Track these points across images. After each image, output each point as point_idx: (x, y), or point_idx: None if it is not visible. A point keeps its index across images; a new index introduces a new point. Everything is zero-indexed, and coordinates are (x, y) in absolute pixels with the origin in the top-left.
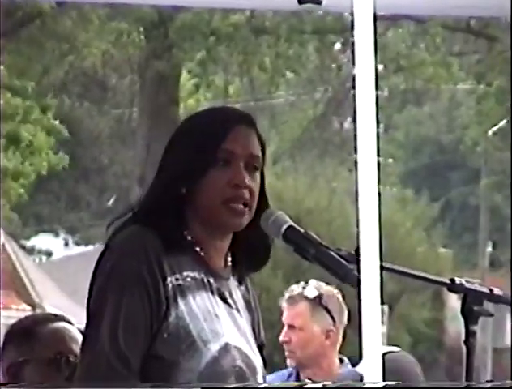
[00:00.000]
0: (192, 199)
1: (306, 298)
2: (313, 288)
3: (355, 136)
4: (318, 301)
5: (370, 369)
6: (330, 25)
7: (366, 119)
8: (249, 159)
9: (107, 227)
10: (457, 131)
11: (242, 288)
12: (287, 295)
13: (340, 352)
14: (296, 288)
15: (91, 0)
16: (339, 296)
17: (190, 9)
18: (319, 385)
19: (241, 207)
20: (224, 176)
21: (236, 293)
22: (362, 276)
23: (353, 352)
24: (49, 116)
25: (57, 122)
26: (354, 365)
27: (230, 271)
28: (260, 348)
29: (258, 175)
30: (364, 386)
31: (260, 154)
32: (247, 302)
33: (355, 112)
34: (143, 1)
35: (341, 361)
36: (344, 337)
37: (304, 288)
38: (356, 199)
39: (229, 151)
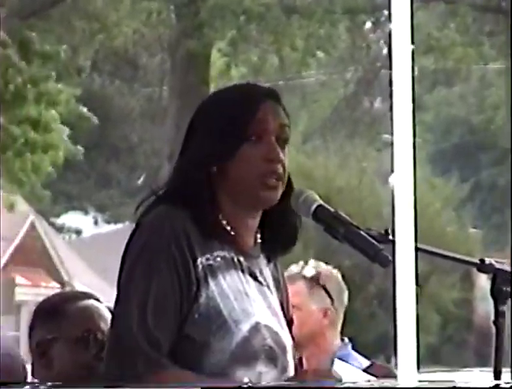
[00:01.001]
0: (224, 177)
1: (304, 277)
2: (311, 267)
3: (390, 117)
4: (316, 280)
5: (405, 351)
6: (360, 5)
7: (402, 99)
8: (280, 133)
9: (136, 208)
10: (488, 111)
11: (271, 265)
12: (286, 274)
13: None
14: (294, 268)
15: None
16: (339, 275)
17: None
18: (321, 385)
19: (275, 181)
20: (258, 151)
21: (266, 271)
22: (397, 257)
23: (384, 333)
24: (78, 103)
25: (85, 109)
26: (355, 347)
27: (259, 249)
28: (289, 325)
29: (287, 149)
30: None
31: (288, 128)
32: (276, 280)
33: (391, 93)
34: None
35: (342, 341)
36: (345, 318)
37: (302, 267)
38: (388, 181)
39: (261, 126)
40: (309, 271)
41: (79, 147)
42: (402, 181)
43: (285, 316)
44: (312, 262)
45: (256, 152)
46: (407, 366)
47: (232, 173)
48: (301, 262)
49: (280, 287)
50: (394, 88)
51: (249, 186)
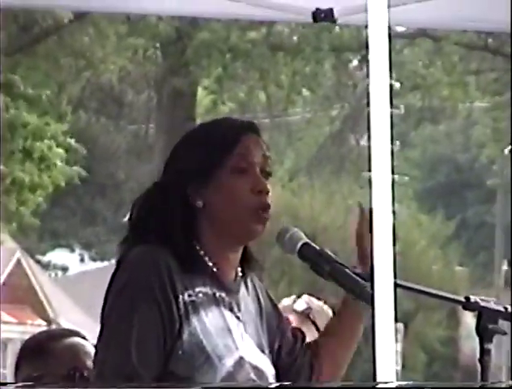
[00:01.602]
0: (210, 212)
1: (295, 311)
2: (303, 301)
3: (369, 154)
4: (306, 315)
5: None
6: (347, 42)
7: (380, 136)
8: (264, 165)
9: (119, 245)
10: (473, 150)
11: (254, 296)
12: None
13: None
14: (285, 301)
15: (109, 11)
16: (330, 311)
17: (208, 26)
18: (321, 385)
19: (265, 213)
20: (245, 183)
21: (248, 305)
22: (376, 294)
23: (368, 371)
24: (65, 136)
25: (72, 141)
26: None
27: (240, 284)
28: (273, 354)
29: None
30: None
31: (271, 159)
32: (260, 310)
33: (369, 129)
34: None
35: None
36: None
37: (294, 301)
38: (371, 218)
39: (245, 158)
40: (301, 305)
41: (76, 168)
42: (380, 218)
43: (270, 346)
44: (305, 296)
45: (243, 185)
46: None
47: (219, 207)
48: (293, 296)
49: (263, 317)
50: (372, 126)
51: (239, 219)
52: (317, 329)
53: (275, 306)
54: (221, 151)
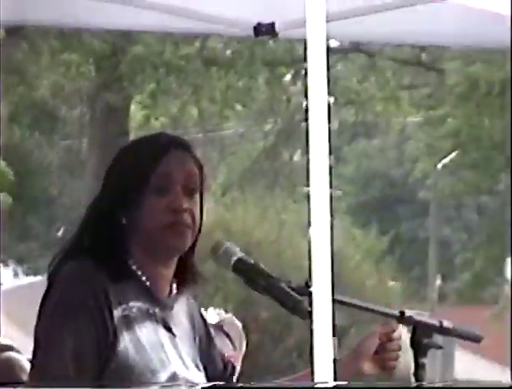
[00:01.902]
0: (133, 228)
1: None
2: (215, 314)
3: (307, 169)
4: (220, 327)
5: None
6: (280, 57)
7: (319, 151)
8: (187, 182)
9: (48, 265)
10: (406, 164)
11: (188, 315)
12: None
13: None
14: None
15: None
16: (239, 324)
17: (142, 41)
18: (324, 384)
19: (182, 229)
20: (162, 201)
21: (182, 322)
22: (314, 309)
23: None
24: None
25: (3, 164)
26: None
27: (175, 300)
28: (207, 368)
29: (197, 197)
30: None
31: (197, 176)
32: (193, 329)
33: (307, 144)
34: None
35: None
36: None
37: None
38: (308, 232)
39: (165, 176)
40: (213, 318)
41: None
42: (319, 233)
43: (203, 360)
44: (211, 309)
45: (160, 203)
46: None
47: (140, 224)
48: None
49: (196, 333)
50: (310, 140)
51: (157, 237)
52: (231, 341)
53: (207, 331)
54: (145, 170)
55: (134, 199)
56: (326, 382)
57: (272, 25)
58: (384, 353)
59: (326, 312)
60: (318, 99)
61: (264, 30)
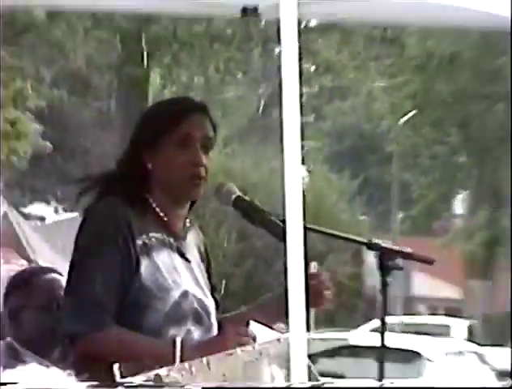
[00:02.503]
0: (157, 173)
1: None
2: None
3: (280, 123)
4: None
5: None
6: (270, 35)
7: (291, 111)
8: (204, 141)
9: (78, 194)
10: (374, 121)
11: (197, 245)
12: None
13: None
14: None
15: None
16: None
17: (159, 21)
18: (331, 385)
19: (199, 181)
20: (184, 156)
21: (193, 250)
22: (288, 236)
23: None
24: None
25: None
26: None
27: (187, 232)
28: (213, 290)
29: (210, 154)
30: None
31: (212, 137)
32: (200, 256)
33: (280, 105)
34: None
35: None
36: None
37: None
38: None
39: (187, 135)
40: None
41: (47, 143)
42: (291, 175)
43: (210, 284)
44: None
45: (183, 157)
46: (298, 325)
47: (163, 172)
48: None
49: (204, 259)
50: (284, 104)
51: (178, 185)
52: None
53: (208, 255)
54: (170, 126)
55: (160, 150)
56: (326, 383)
57: (255, 8)
58: (315, 293)
59: (298, 238)
60: (291, 69)
61: (249, 12)
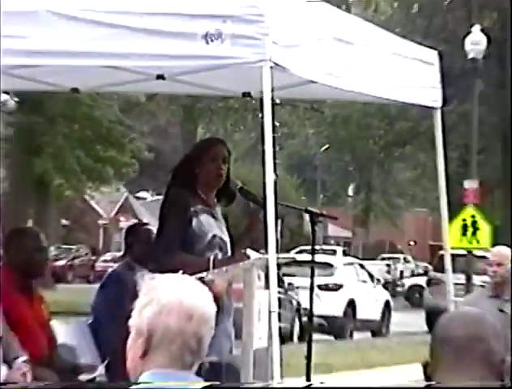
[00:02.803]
0: (200, 175)
1: None
2: None
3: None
4: None
5: (271, 249)
6: (258, 106)
7: (268, 145)
8: (223, 158)
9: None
10: (311, 149)
11: (221, 213)
12: None
13: None
14: None
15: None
16: None
17: (201, 100)
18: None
19: (221, 178)
20: (214, 166)
21: (219, 214)
22: (267, 207)
23: None
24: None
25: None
26: None
27: (216, 205)
28: (229, 234)
29: (227, 164)
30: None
31: (227, 156)
32: (225, 220)
33: (263, 143)
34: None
35: None
36: None
37: None
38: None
39: (215, 155)
40: None
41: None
42: (268, 176)
43: (229, 235)
44: None
45: (214, 166)
46: (272, 250)
47: (204, 174)
48: None
49: (224, 219)
50: (265, 139)
51: (211, 180)
52: None
53: (226, 218)
54: (207, 151)
55: (202, 163)
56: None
57: (249, 93)
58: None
59: (271, 207)
60: (268, 123)
61: (246, 94)
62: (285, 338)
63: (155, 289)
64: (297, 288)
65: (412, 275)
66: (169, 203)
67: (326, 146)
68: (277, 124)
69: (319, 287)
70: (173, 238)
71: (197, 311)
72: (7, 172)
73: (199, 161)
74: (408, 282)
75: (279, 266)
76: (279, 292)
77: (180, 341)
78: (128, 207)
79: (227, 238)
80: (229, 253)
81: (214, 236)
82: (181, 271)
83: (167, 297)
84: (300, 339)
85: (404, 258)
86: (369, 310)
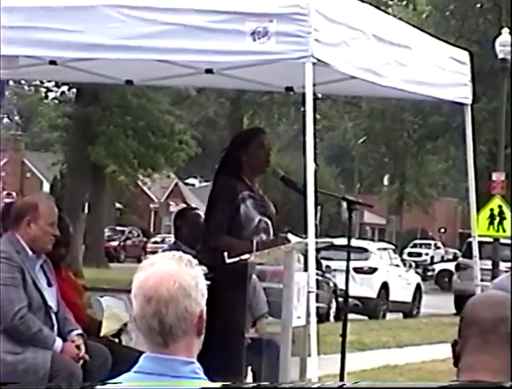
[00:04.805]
0: (246, 162)
1: None
2: None
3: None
4: None
5: (310, 234)
6: (300, 99)
7: (309, 137)
8: (268, 146)
9: (216, 172)
10: (348, 141)
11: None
12: None
13: None
14: None
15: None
16: None
17: (244, 93)
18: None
19: (268, 164)
20: (262, 152)
21: (264, 198)
22: (307, 194)
23: None
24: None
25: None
26: None
27: (259, 189)
28: (271, 219)
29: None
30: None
31: (268, 143)
32: (266, 201)
33: (304, 134)
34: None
35: None
36: None
37: None
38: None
39: (262, 142)
40: None
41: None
42: (309, 166)
43: (271, 216)
44: None
45: (261, 152)
46: (311, 234)
47: (251, 160)
48: None
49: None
50: (306, 131)
51: (260, 165)
52: None
53: (269, 205)
54: (254, 138)
55: (248, 150)
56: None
57: (292, 87)
58: None
59: (311, 195)
60: (310, 116)
61: (289, 89)
62: (322, 317)
63: (134, 279)
64: (334, 270)
65: (442, 260)
66: (219, 190)
67: (364, 138)
68: (318, 117)
69: (355, 270)
70: (221, 223)
71: (155, 293)
72: (66, 158)
73: (246, 149)
74: (438, 267)
75: (317, 249)
76: (316, 274)
77: (145, 323)
78: (177, 192)
79: (269, 221)
80: (272, 235)
81: (260, 220)
82: (225, 254)
83: (134, 284)
84: (336, 318)
85: (435, 245)
86: (401, 293)
